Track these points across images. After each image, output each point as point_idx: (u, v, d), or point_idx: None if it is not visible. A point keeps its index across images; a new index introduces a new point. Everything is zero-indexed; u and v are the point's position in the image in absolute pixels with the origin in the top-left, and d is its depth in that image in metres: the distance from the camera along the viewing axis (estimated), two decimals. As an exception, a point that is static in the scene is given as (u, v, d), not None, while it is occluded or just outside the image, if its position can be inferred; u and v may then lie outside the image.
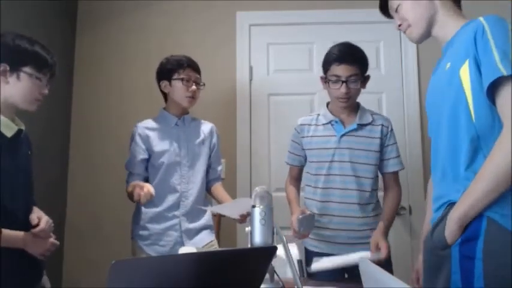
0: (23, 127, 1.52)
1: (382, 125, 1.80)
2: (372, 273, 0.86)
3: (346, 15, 2.77)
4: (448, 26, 1.27)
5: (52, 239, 1.51)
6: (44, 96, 1.52)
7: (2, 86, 1.44)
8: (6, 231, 1.37)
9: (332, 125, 1.82)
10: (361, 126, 1.79)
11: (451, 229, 1.08)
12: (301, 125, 1.91)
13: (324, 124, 1.84)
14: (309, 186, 1.87)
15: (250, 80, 2.77)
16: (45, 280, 1.60)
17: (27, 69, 1.45)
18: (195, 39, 2.78)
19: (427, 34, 1.32)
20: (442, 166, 1.20)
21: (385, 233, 1.71)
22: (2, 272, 1.36)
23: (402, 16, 1.34)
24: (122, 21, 2.85)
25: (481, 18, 1.14)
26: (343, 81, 1.73)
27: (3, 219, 1.37)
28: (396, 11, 1.36)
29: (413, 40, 1.35)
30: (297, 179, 1.99)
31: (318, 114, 1.88)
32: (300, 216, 1.69)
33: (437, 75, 1.29)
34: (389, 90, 2.69)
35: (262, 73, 2.79)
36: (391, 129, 1.81)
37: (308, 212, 1.75)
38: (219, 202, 2.05)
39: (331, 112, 1.84)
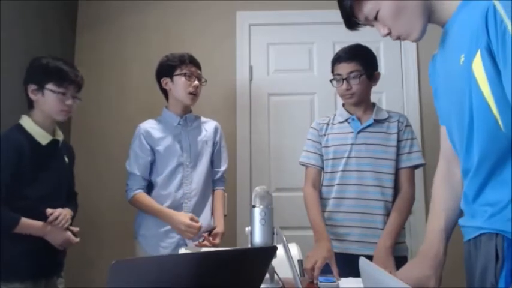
0: (59, 138, 1.76)
1: (398, 121, 1.79)
2: (371, 273, 0.86)
3: (346, 15, 2.77)
4: (447, 1, 1.05)
5: (69, 233, 1.71)
6: (71, 107, 1.72)
7: (36, 102, 1.69)
8: (28, 220, 1.58)
9: (349, 122, 1.82)
10: (377, 122, 1.78)
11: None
12: (320, 123, 1.88)
13: (340, 122, 1.84)
14: (324, 186, 1.83)
15: (250, 79, 2.77)
16: (61, 282, 1.77)
17: (49, 86, 1.67)
18: (195, 39, 2.78)
19: (426, 27, 1.09)
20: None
21: (392, 253, 1.60)
22: (23, 254, 1.59)
23: (388, 23, 1.09)
24: (121, 21, 2.85)
25: None
26: (343, 79, 1.76)
27: (31, 215, 1.59)
28: (376, 19, 1.10)
29: (414, 41, 1.12)
30: (315, 184, 1.82)
31: (334, 115, 1.89)
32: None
33: (448, 68, 1.06)
34: (390, 90, 2.69)
35: (262, 73, 2.79)
36: (407, 125, 1.79)
37: (334, 262, 1.53)
38: (213, 211, 2.02)
39: (347, 111, 1.85)
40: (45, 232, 1.63)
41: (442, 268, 1.13)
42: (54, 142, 1.73)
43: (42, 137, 1.69)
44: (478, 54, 0.92)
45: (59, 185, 1.73)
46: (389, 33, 1.11)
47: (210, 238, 1.94)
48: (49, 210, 1.64)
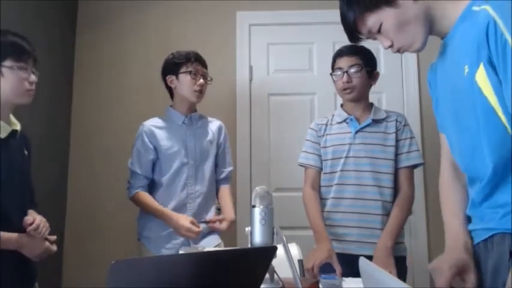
0: (17, 127, 1.49)
1: (396, 120, 1.79)
2: (371, 273, 0.86)
3: (346, 15, 2.76)
4: (447, 13, 1.08)
5: (48, 243, 1.49)
6: (33, 84, 1.48)
7: None
8: (3, 234, 1.35)
9: (347, 122, 1.82)
10: (375, 121, 1.79)
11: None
12: (319, 124, 1.89)
13: (338, 122, 1.84)
14: (323, 186, 1.83)
15: (250, 80, 2.77)
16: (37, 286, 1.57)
17: (6, 63, 1.41)
18: (195, 39, 2.78)
19: (427, 38, 1.13)
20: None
21: (393, 253, 1.61)
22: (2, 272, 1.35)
23: (391, 36, 1.12)
24: (122, 21, 2.85)
25: (489, 8, 0.95)
26: (344, 72, 1.78)
27: (3, 226, 1.36)
28: (379, 31, 1.13)
29: (416, 52, 1.16)
30: (315, 185, 1.83)
31: (333, 115, 1.89)
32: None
33: (451, 79, 1.09)
34: (390, 90, 2.69)
35: (262, 73, 2.79)
36: (405, 124, 1.79)
37: (335, 261, 1.56)
38: (221, 207, 2.01)
39: (345, 111, 1.85)
40: (21, 244, 1.39)
41: (473, 261, 1.07)
42: (12, 133, 1.45)
43: (1, 129, 1.41)
44: (482, 66, 0.96)
45: (24, 186, 1.51)
46: (391, 46, 1.15)
47: (217, 223, 1.94)
48: (29, 219, 1.42)
